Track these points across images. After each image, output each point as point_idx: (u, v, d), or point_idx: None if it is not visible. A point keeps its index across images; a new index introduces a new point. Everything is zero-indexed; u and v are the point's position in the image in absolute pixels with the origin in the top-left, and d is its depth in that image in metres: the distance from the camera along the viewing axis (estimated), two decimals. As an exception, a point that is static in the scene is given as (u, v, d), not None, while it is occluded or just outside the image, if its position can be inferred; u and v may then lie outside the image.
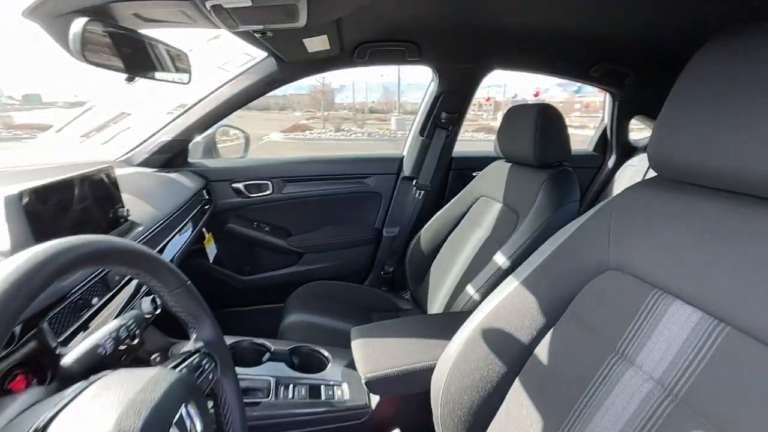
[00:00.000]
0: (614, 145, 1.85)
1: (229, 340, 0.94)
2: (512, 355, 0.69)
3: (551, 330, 0.67)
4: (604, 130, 1.86)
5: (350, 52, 1.26)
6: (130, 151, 1.36)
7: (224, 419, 0.56)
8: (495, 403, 0.69)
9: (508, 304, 0.72)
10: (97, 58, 0.54)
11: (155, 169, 1.37)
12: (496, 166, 1.37)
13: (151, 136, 1.37)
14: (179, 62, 0.76)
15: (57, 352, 0.54)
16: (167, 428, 0.35)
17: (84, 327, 0.62)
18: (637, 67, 1.46)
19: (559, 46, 1.35)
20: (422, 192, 1.66)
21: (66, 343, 0.57)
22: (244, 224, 1.61)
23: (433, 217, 1.51)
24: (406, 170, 1.69)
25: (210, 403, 0.51)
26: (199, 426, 0.40)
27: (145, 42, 0.64)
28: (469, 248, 1.33)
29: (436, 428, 0.76)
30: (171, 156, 1.40)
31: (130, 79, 0.64)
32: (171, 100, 1.47)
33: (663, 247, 0.56)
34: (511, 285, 0.73)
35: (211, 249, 1.41)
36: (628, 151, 1.86)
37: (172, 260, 0.95)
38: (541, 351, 0.67)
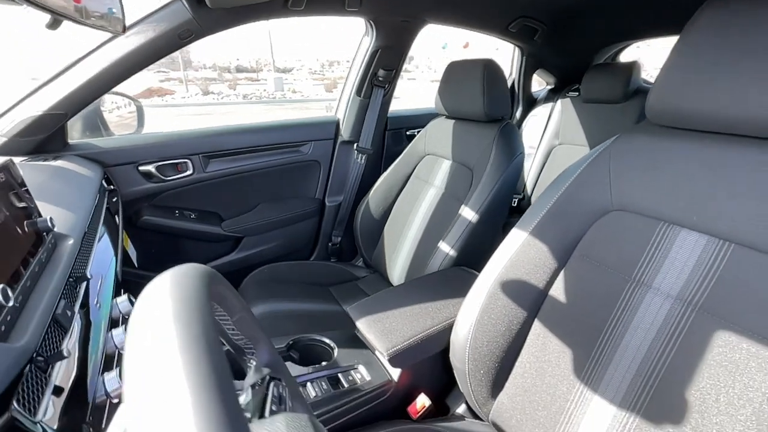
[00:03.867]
0: (520, 97, 2.04)
1: None
2: (530, 301, 0.75)
3: (562, 271, 0.74)
4: (512, 84, 2.03)
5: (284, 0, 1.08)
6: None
7: None
8: (518, 347, 0.75)
9: (521, 254, 0.76)
10: None
11: (25, 157, 1.00)
12: (437, 124, 1.39)
13: (5, 113, 0.98)
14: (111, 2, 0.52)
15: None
16: None
17: (58, 391, 0.45)
18: (547, 23, 1.60)
19: (485, 2, 1.39)
20: (363, 156, 1.60)
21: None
22: (162, 214, 1.33)
23: (379, 180, 1.48)
24: (345, 134, 1.59)
25: None
26: None
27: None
28: (424, 207, 1.36)
29: (460, 382, 0.80)
30: (44, 138, 1.04)
31: (55, 25, 0.41)
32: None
33: (664, 186, 0.64)
34: (520, 236, 0.77)
35: (131, 250, 1.13)
36: (531, 102, 2.08)
37: (119, 280, 0.73)
38: (556, 291, 0.73)
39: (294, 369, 0.81)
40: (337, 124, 1.59)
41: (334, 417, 0.74)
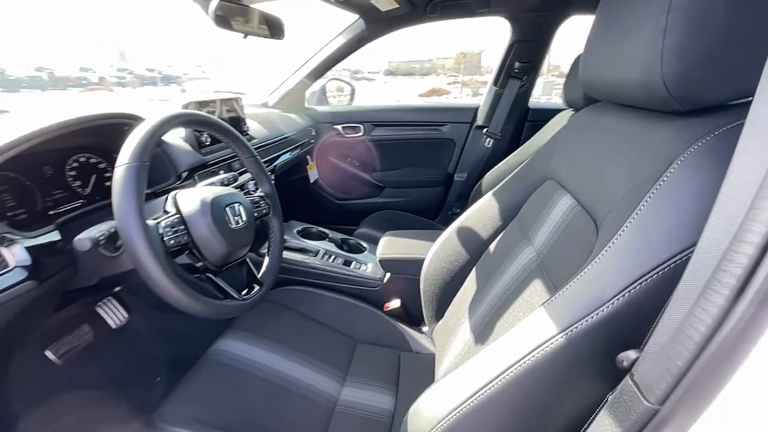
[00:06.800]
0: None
1: (302, 224, 1.36)
2: (474, 249, 0.89)
3: (504, 230, 0.84)
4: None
5: (423, 8, 1.46)
6: (266, 98, 1.89)
7: (270, 245, 0.93)
8: (458, 284, 0.90)
9: (479, 210, 0.91)
10: (225, 25, 0.94)
11: (280, 110, 1.87)
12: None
13: (279, 86, 1.87)
14: (278, 26, 1.14)
15: None
16: (223, 206, 0.73)
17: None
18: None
19: None
20: (491, 140, 1.78)
21: None
22: (340, 158, 2.03)
23: (498, 165, 1.63)
24: (480, 119, 1.81)
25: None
26: (244, 216, 0.77)
27: (256, 12, 1.02)
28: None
29: (422, 299, 1.02)
30: (292, 102, 1.88)
31: (245, 36, 1.04)
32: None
33: (575, 155, 0.68)
34: (486, 196, 0.91)
35: (312, 173, 1.87)
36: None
37: (273, 168, 1.40)
38: (492, 246, 0.85)
39: (333, 248, 1.26)
40: (475, 111, 1.83)
41: (331, 277, 1.15)
